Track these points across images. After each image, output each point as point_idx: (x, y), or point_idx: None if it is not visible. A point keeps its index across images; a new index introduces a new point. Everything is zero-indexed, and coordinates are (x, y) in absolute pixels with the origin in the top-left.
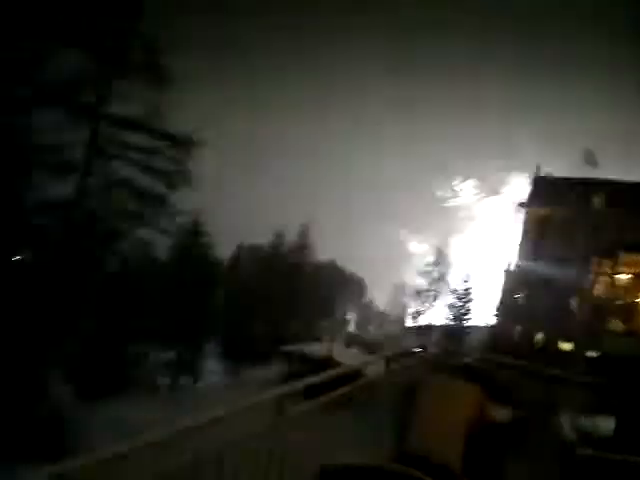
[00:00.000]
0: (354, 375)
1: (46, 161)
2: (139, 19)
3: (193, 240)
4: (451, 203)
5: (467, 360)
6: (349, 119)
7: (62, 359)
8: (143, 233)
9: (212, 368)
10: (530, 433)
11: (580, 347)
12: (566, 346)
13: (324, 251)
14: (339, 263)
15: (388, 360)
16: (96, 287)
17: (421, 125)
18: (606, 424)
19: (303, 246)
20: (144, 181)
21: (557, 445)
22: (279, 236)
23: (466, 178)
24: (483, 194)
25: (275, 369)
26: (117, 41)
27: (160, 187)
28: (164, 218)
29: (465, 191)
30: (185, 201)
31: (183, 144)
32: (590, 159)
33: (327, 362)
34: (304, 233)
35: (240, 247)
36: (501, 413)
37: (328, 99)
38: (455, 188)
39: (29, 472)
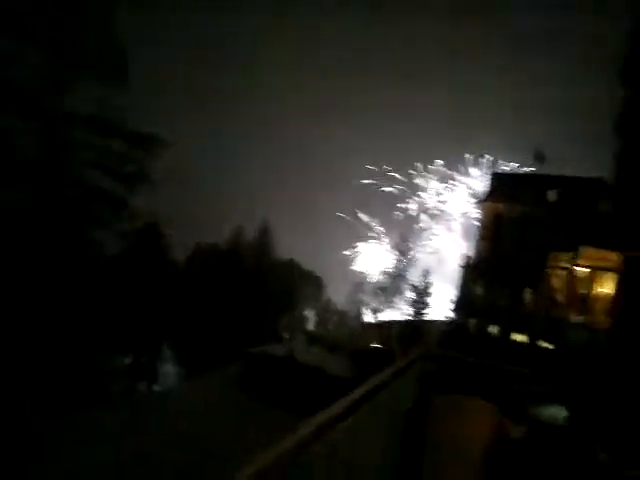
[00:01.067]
0: (317, 373)
1: None
2: (98, 14)
3: (150, 242)
4: (410, 199)
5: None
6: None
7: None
8: (99, 235)
9: (170, 372)
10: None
11: (536, 339)
12: (521, 338)
13: (282, 250)
14: (297, 261)
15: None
16: (45, 290)
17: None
18: (561, 413)
19: (262, 245)
20: (102, 182)
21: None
22: (237, 235)
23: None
24: (442, 189)
25: (235, 371)
26: (74, 37)
27: (119, 188)
28: (121, 220)
29: (424, 185)
30: (142, 201)
31: (143, 144)
32: (539, 156)
33: (289, 362)
34: (263, 232)
35: (197, 247)
36: (517, 430)
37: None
38: (415, 182)
39: None
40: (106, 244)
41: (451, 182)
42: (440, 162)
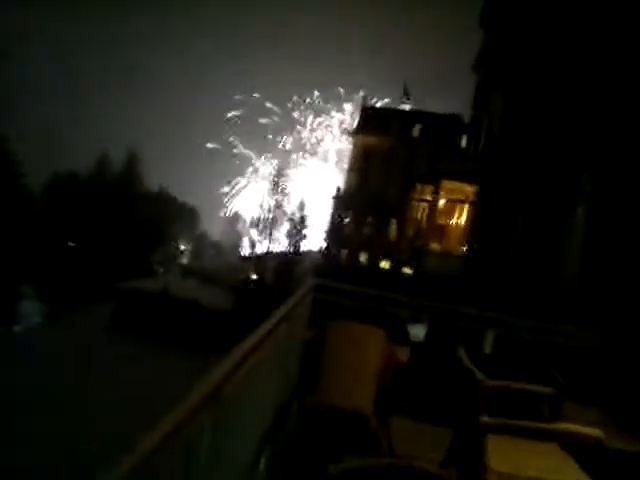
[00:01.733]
0: (192, 307)
1: None
2: None
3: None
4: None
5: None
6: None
7: None
8: None
9: (30, 311)
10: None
11: (399, 265)
12: (386, 265)
13: (153, 180)
14: (170, 192)
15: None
16: None
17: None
18: (421, 331)
19: (130, 174)
20: None
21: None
22: (102, 163)
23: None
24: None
25: (102, 308)
26: None
27: None
28: None
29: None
30: None
31: None
32: (406, 92)
33: (162, 297)
34: (131, 160)
35: (55, 175)
36: (404, 353)
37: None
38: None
39: None
40: None
41: (325, 116)
42: (316, 94)
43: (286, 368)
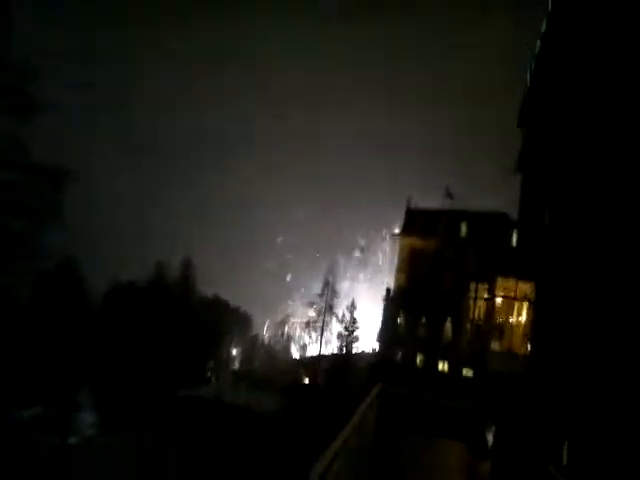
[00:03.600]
0: (245, 414)
1: None
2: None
3: (62, 282)
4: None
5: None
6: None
7: None
8: (4, 278)
9: (87, 421)
10: None
11: (458, 366)
12: (444, 366)
13: (207, 285)
14: (223, 297)
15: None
16: None
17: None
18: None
19: (185, 280)
20: (4, 220)
21: None
22: (159, 270)
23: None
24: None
25: (158, 417)
26: None
27: (23, 225)
28: (25, 260)
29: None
30: (51, 239)
31: (50, 177)
32: (448, 193)
33: (216, 404)
34: (186, 266)
35: (114, 284)
36: (485, 469)
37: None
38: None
39: None
40: (14, 288)
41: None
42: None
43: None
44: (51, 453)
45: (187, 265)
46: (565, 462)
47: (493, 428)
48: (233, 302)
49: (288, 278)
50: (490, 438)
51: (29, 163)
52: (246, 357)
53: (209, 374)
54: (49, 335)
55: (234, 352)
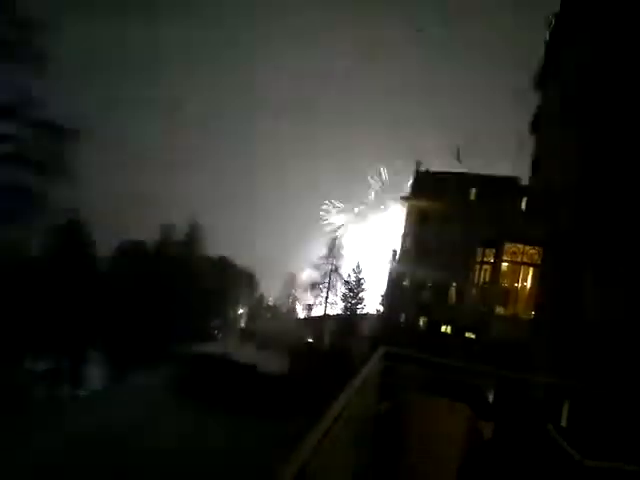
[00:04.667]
0: (251, 371)
1: None
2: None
3: (71, 239)
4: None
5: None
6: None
7: None
8: (14, 232)
9: (95, 375)
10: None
11: (461, 330)
12: (447, 329)
13: (214, 247)
14: (230, 258)
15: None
16: None
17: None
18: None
19: (192, 242)
20: (14, 174)
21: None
22: (166, 232)
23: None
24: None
25: (166, 372)
26: None
27: (33, 180)
28: (37, 215)
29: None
30: (61, 196)
31: (60, 134)
32: (458, 156)
33: (222, 361)
34: (193, 229)
35: (122, 245)
36: (488, 430)
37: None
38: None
39: None
40: (24, 242)
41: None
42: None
43: (360, 442)
44: (63, 404)
45: (194, 227)
46: (565, 424)
47: (494, 390)
48: (241, 263)
49: (296, 239)
50: (491, 399)
51: (39, 118)
52: (252, 317)
53: (216, 332)
54: (59, 290)
55: (240, 311)
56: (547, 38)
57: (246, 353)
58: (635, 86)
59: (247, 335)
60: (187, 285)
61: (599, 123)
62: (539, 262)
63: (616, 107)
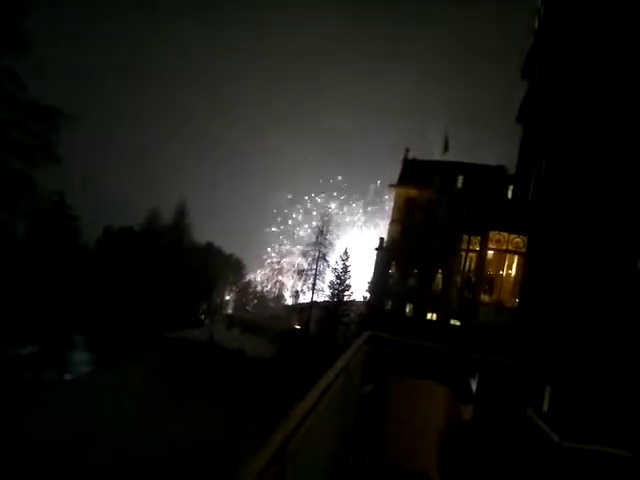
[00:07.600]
0: (237, 356)
1: None
2: None
3: (56, 223)
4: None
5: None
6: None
7: None
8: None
9: (81, 360)
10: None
11: (447, 317)
12: (433, 316)
13: (201, 232)
14: (217, 244)
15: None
16: None
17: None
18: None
19: (178, 227)
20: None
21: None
22: (152, 217)
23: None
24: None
25: (152, 358)
26: None
27: (18, 163)
28: (23, 198)
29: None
30: (47, 180)
31: (46, 116)
32: (446, 144)
33: (208, 346)
34: (180, 214)
35: (108, 230)
36: (467, 412)
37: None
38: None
39: None
40: (9, 225)
41: None
42: None
43: (342, 423)
44: (48, 388)
45: (181, 212)
46: (545, 408)
47: (477, 375)
48: (228, 250)
49: (282, 226)
50: (474, 385)
51: (26, 100)
52: (239, 303)
53: (202, 317)
54: (45, 274)
55: (227, 297)
56: (536, 26)
57: (233, 338)
58: (617, 76)
59: (234, 321)
60: (174, 270)
61: (581, 113)
62: (524, 250)
63: (599, 98)
